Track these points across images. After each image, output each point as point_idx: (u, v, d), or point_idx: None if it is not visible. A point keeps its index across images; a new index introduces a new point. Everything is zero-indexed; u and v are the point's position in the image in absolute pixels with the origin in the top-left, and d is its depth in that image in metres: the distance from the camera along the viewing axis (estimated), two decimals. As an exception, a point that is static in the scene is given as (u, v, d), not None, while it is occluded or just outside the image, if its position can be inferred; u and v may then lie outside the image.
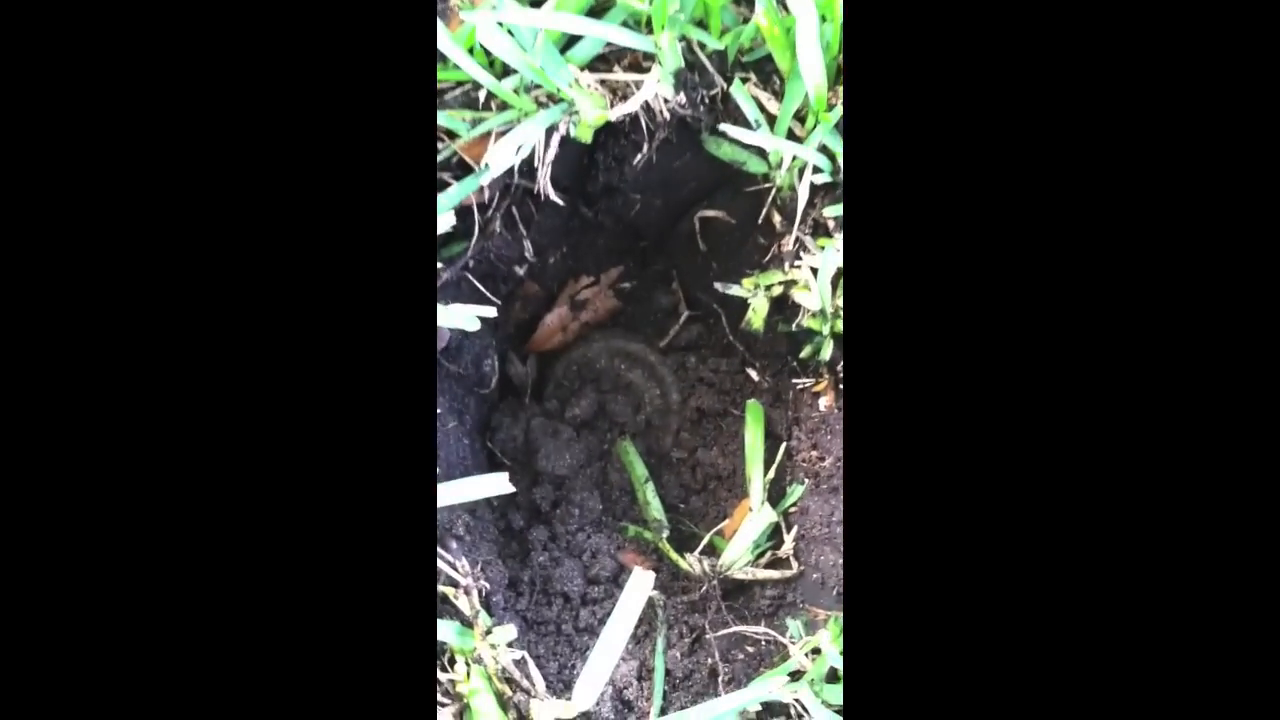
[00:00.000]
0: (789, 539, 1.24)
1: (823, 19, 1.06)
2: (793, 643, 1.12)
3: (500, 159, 1.01)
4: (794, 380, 1.31)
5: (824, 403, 1.30)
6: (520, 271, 1.27)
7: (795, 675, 1.08)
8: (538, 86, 1.04)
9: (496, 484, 1.04)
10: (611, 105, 1.07)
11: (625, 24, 1.07)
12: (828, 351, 1.25)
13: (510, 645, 1.07)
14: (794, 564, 1.23)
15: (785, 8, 1.07)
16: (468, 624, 1.06)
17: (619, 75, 1.08)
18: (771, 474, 1.26)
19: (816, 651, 1.07)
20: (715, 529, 1.28)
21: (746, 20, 1.12)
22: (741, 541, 1.23)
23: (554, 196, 1.09)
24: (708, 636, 1.20)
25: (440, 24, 0.95)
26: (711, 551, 1.26)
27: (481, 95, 1.06)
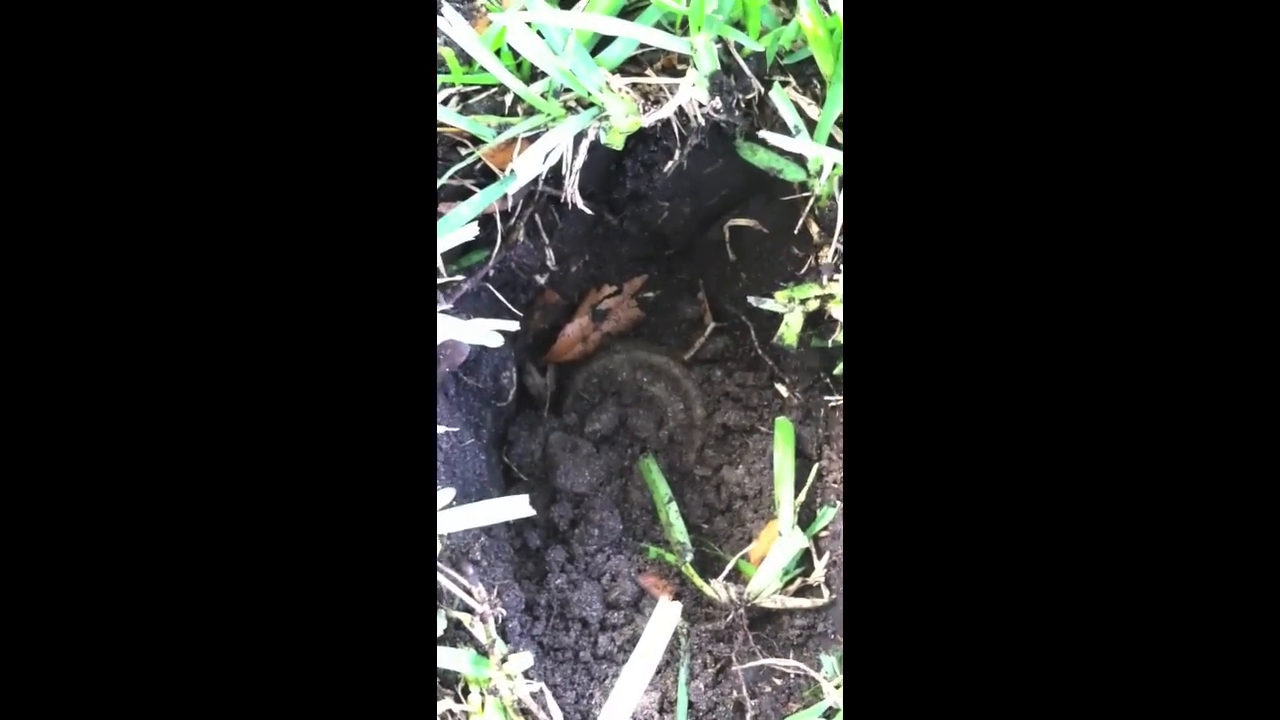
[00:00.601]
0: (820, 565, 1.18)
1: (868, 21, 1.00)
2: (827, 679, 1.06)
3: (527, 166, 0.95)
4: (825, 397, 1.26)
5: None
6: (541, 280, 1.21)
7: (829, 713, 1.03)
8: (567, 91, 0.98)
9: (515, 507, 0.99)
10: (644, 110, 1.01)
11: (659, 25, 1.01)
12: (863, 369, 1.19)
13: (526, 674, 1.03)
14: (825, 592, 1.17)
15: (828, 8, 1.01)
16: (483, 652, 1.01)
17: (652, 79, 1.02)
18: (802, 496, 1.21)
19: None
20: (741, 553, 1.22)
21: (787, 21, 1.06)
22: (770, 567, 1.17)
23: (582, 205, 1.03)
24: (734, 668, 1.15)
25: (467, 25, 0.89)
26: (737, 577, 1.21)
27: (508, 99, 1.00)
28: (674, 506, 1.26)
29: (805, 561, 1.19)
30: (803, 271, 1.20)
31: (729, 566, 1.20)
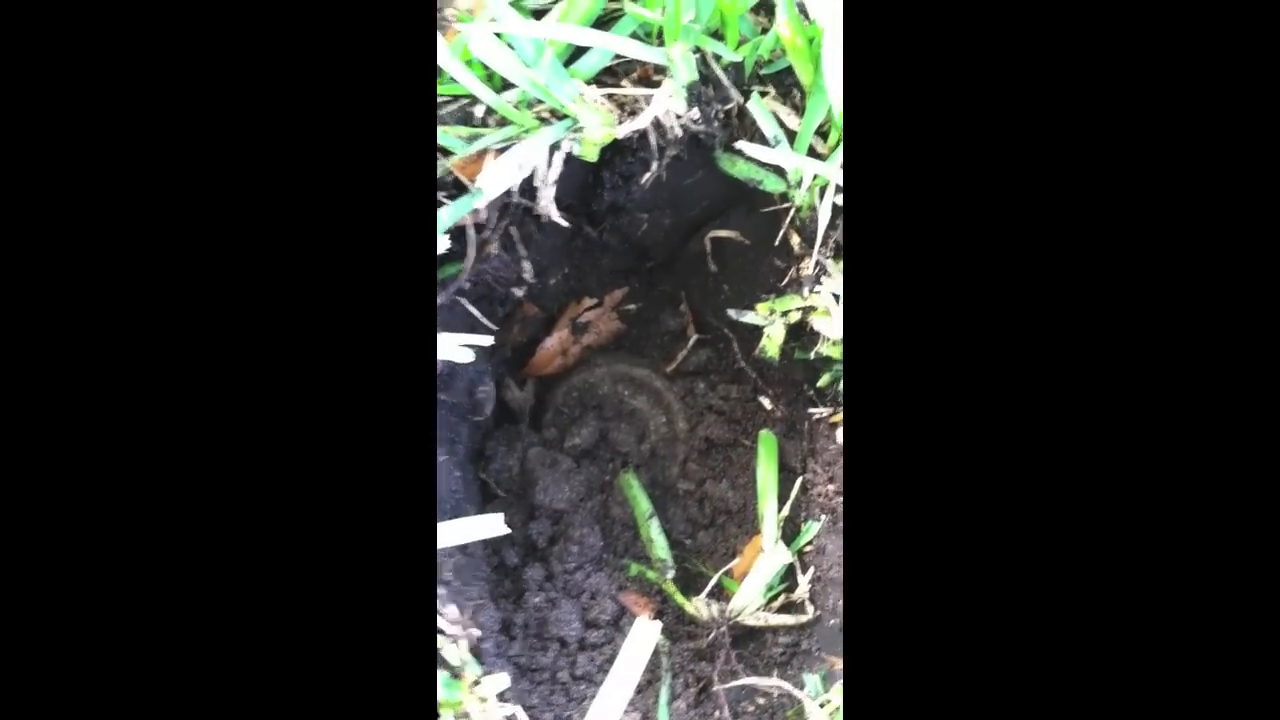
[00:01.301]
0: (804, 581, 1.16)
1: (848, 29, 0.98)
2: (811, 699, 1.04)
3: (497, 179, 0.93)
4: (810, 410, 1.24)
5: (841, 435, 1.22)
6: (519, 293, 1.19)
7: (811, 735, 1.01)
8: (540, 101, 0.96)
9: (489, 525, 0.97)
10: (620, 121, 0.99)
11: (635, 35, 0.99)
12: (847, 382, 1.17)
13: (501, 696, 1.01)
14: (809, 609, 1.15)
15: (807, 16, 0.99)
16: (456, 675, 0.99)
17: (628, 90, 1.00)
18: (786, 510, 1.19)
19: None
20: (724, 569, 1.20)
21: (765, 30, 1.04)
22: (753, 583, 1.15)
23: (557, 218, 1.01)
24: (715, 688, 1.12)
25: (437, 35, 0.87)
26: (720, 593, 1.19)
27: (479, 110, 0.98)
28: (655, 522, 1.24)
29: (789, 577, 1.17)
30: (784, 283, 1.18)
31: (711, 583, 1.18)
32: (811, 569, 1.17)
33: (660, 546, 1.23)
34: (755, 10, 1.05)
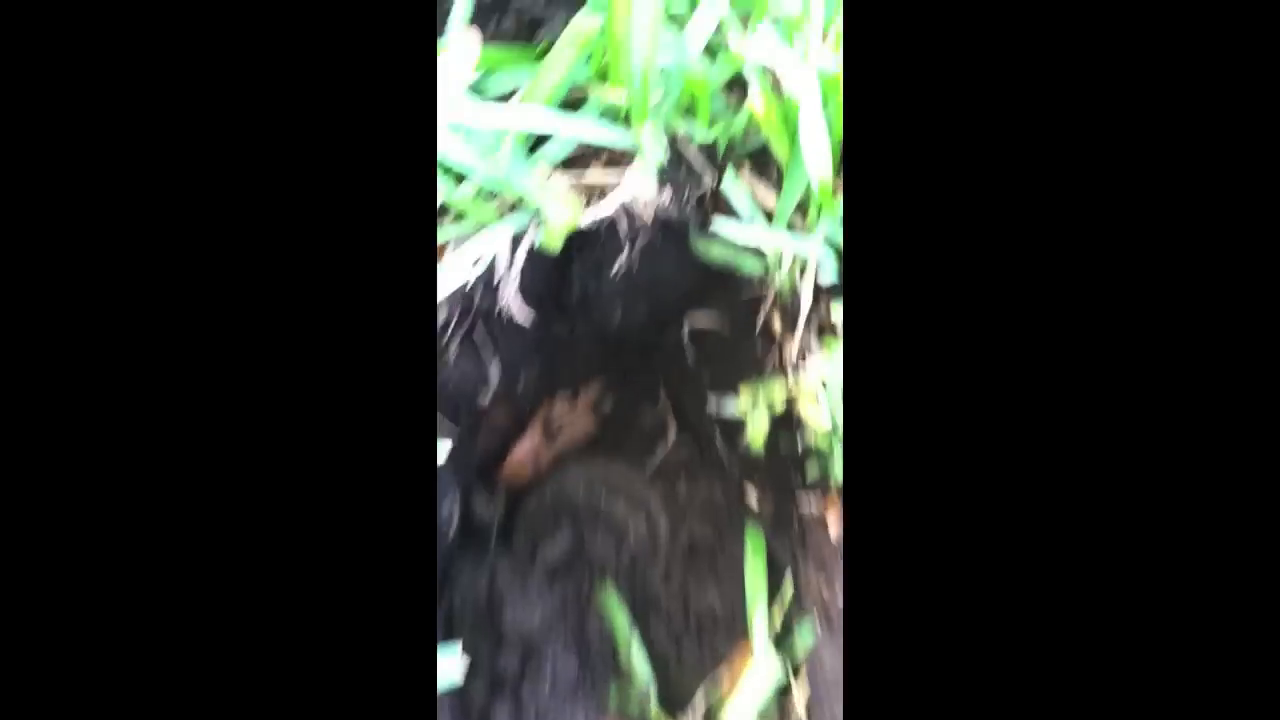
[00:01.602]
0: (798, 690, 1.07)
1: (825, 101, 0.93)
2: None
3: (456, 274, 0.86)
4: (798, 500, 1.16)
5: (834, 529, 1.15)
6: (485, 396, 1.11)
7: None
8: (500, 192, 0.90)
9: (451, 668, 0.88)
10: (587, 205, 0.93)
11: (602, 116, 0.93)
12: (839, 472, 1.10)
13: None
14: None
15: (780, 92, 0.94)
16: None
17: (595, 173, 0.94)
18: (778, 616, 1.10)
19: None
20: (710, 676, 1.11)
21: (739, 107, 0.98)
22: (745, 702, 1.06)
23: (519, 318, 0.94)
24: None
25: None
26: (710, 714, 1.09)
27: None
28: (637, 642, 1.14)
29: (784, 685, 1.09)
30: (767, 370, 1.11)
31: (697, 695, 1.09)
32: (803, 672, 1.08)
33: (642, 675, 1.13)
34: (728, 87, 1.00)
